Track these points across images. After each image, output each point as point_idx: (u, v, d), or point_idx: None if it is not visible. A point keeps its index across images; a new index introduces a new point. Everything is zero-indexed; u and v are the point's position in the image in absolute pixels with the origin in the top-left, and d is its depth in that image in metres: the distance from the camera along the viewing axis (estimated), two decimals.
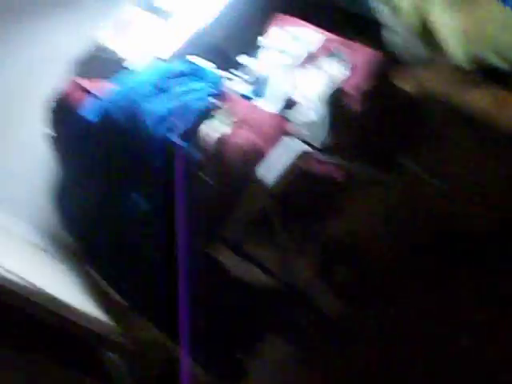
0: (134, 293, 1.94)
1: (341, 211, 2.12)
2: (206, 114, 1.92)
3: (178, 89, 1.98)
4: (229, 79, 2.36)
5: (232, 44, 2.64)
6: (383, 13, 2.24)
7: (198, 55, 2.45)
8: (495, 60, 2.01)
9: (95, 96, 1.91)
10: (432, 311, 2.06)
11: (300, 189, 1.86)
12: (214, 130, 1.80)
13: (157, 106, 1.87)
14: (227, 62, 2.50)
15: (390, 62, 2.16)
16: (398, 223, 2.23)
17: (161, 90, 1.95)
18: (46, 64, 2.61)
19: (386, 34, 2.30)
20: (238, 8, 2.60)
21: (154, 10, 2.68)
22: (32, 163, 2.45)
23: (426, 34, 2.19)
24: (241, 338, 1.92)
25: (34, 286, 1.78)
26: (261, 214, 1.86)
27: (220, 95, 2.10)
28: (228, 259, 2.03)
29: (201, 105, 1.89)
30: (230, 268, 2.03)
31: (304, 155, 1.80)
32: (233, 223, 1.83)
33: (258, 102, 2.25)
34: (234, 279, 1.99)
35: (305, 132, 2.03)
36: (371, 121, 2.08)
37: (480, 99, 2.31)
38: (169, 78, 1.99)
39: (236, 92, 2.31)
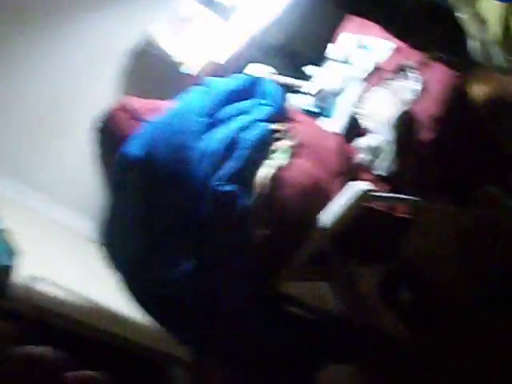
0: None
1: (408, 239, 1.98)
2: (263, 147, 1.70)
3: (233, 115, 1.78)
4: (291, 91, 2.24)
5: (297, 47, 2.46)
6: (464, 19, 2.06)
7: (258, 59, 2.28)
8: None
9: (142, 123, 1.74)
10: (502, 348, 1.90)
11: (363, 228, 1.70)
12: (269, 166, 1.61)
13: (207, 142, 1.68)
14: (291, 68, 2.31)
15: (466, 80, 1.94)
16: (472, 251, 2.06)
17: (213, 119, 1.76)
18: (97, 62, 2.63)
19: (467, 42, 2.11)
20: (304, 6, 2.32)
21: (213, 6, 2.48)
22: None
23: (509, 43, 1.98)
24: (304, 368, 1.83)
25: (93, 302, 1.71)
26: (320, 256, 1.71)
27: (280, 113, 1.92)
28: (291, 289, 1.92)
29: (257, 136, 1.68)
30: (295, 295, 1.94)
31: (366, 194, 1.60)
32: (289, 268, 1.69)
33: (321, 120, 2.13)
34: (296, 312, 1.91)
35: (368, 157, 1.83)
36: (442, 149, 1.93)
37: None
38: (223, 101, 1.79)
39: (298, 107, 2.21)
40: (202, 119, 1.76)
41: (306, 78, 2.30)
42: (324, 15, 2.41)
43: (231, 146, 1.67)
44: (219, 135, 1.71)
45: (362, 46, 2.14)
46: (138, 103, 1.85)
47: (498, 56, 2.05)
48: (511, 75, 2.15)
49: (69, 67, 2.56)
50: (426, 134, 1.92)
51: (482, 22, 1.94)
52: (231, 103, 1.89)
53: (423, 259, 2.10)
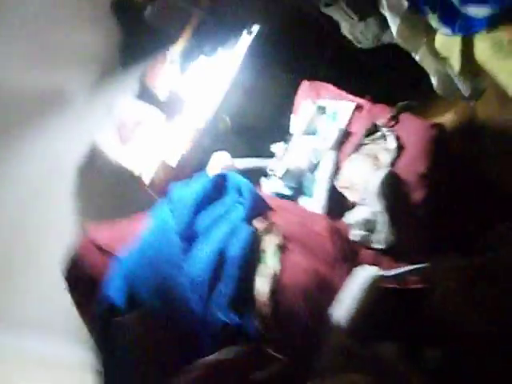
0: None
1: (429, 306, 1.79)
2: (251, 254, 1.52)
3: (211, 224, 1.60)
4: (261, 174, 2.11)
5: (256, 124, 2.31)
6: (422, 59, 1.96)
7: (215, 147, 2.15)
8: None
9: (115, 258, 1.55)
10: None
11: (380, 310, 1.55)
12: (263, 277, 1.44)
13: (192, 265, 1.50)
14: (253, 149, 2.16)
15: (443, 129, 1.83)
16: (495, 295, 1.90)
17: (191, 232, 1.57)
18: (49, 181, 2.47)
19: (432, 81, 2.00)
20: (251, 79, 2.20)
21: (157, 103, 2.33)
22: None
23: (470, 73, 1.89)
24: None
25: None
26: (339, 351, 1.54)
27: (257, 206, 1.78)
28: None
29: (243, 245, 1.51)
30: None
31: (377, 278, 1.45)
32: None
33: (301, 200, 2.01)
34: None
35: (362, 232, 1.67)
36: (438, 204, 1.82)
37: None
38: (195, 211, 1.62)
39: (271, 191, 2.06)
40: (179, 240, 1.59)
41: (271, 155, 2.10)
42: (275, 84, 2.23)
43: (219, 264, 1.50)
44: (203, 253, 1.54)
45: (323, 112, 1.99)
46: (104, 234, 1.69)
47: (461, 87, 1.92)
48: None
49: (21, 189, 2.41)
50: (416, 194, 1.80)
51: (440, 58, 1.86)
52: (204, 209, 1.73)
53: (450, 318, 1.92)
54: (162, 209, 1.71)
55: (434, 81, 1.98)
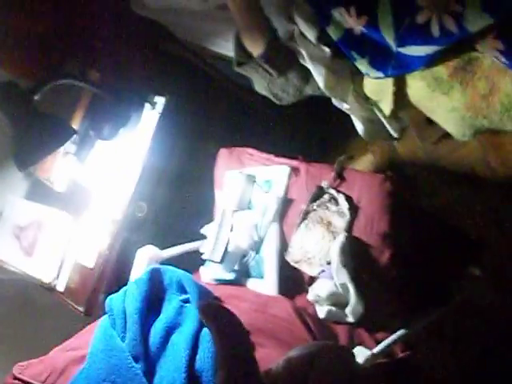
0: None
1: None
2: None
3: (164, 339, 1.35)
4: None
5: (175, 210, 2.06)
6: (348, 107, 1.83)
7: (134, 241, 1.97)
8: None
9: None
10: None
11: None
12: None
13: None
14: (179, 238, 1.92)
15: (395, 180, 1.69)
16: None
17: (145, 353, 1.32)
18: None
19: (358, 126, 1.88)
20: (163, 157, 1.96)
21: (57, 202, 2.05)
22: None
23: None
24: None
25: None
26: None
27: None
28: None
29: (210, 357, 1.26)
30: None
31: (368, 361, 1.27)
32: None
33: (251, 283, 1.82)
34: None
35: (330, 308, 1.48)
36: (406, 261, 1.70)
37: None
38: (141, 325, 1.37)
39: (214, 281, 1.88)
40: (131, 363, 1.34)
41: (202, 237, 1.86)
42: (191, 159, 2.02)
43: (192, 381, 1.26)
44: (169, 373, 1.30)
45: (254, 182, 1.76)
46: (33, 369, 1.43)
47: (390, 129, 1.80)
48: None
49: None
50: (381, 256, 1.62)
51: (369, 102, 1.68)
52: (150, 318, 1.51)
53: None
54: (103, 329, 1.40)
55: (360, 127, 1.87)
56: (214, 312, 0.51)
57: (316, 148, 2.51)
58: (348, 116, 1.76)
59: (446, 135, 2.26)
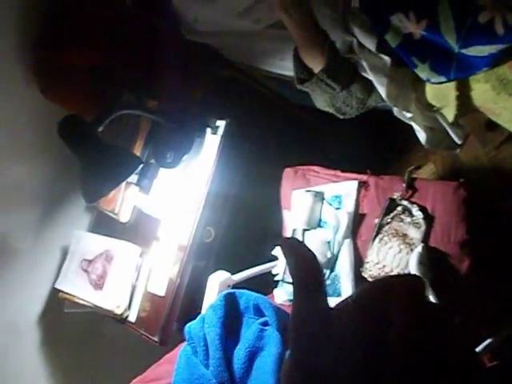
0: None
1: None
2: None
3: (247, 364, 1.35)
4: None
5: (243, 233, 2.08)
6: (410, 116, 1.81)
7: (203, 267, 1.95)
8: None
9: None
10: None
11: None
12: None
13: None
14: (249, 262, 1.93)
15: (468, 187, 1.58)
16: None
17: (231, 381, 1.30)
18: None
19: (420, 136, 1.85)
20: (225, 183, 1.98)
21: (123, 233, 2.08)
22: None
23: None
24: None
25: None
26: None
27: (284, 325, 1.56)
28: None
29: None
30: None
31: None
32: None
33: (330, 304, 1.64)
34: None
35: None
36: (486, 268, 1.59)
37: None
38: (222, 350, 1.37)
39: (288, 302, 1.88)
40: None
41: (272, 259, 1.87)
42: (256, 181, 2.04)
43: None
44: None
45: (323, 199, 1.76)
46: None
47: (455, 136, 1.77)
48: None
49: None
50: (462, 265, 1.62)
51: (432, 110, 1.63)
52: (229, 342, 1.51)
53: None
54: (186, 357, 1.42)
55: (422, 136, 1.85)
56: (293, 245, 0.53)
57: (375, 162, 2.50)
58: (406, 127, 1.74)
59: (508, 139, 2.25)
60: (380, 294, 0.50)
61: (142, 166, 1.94)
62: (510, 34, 1.33)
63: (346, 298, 0.54)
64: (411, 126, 1.75)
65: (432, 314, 0.49)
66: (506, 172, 2.31)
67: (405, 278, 0.53)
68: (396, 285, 0.50)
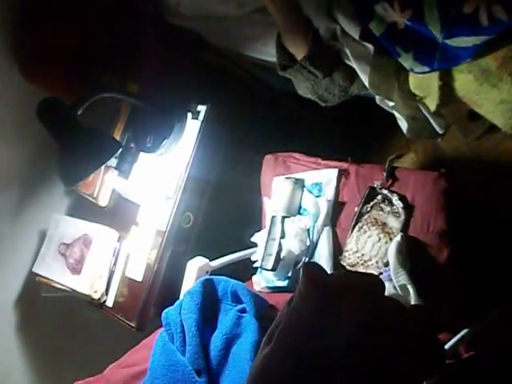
0: None
1: None
2: None
3: (224, 352, 1.37)
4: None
5: (222, 219, 2.06)
6: (393, 105, 1.80)
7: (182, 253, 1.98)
8: None
9: None
10: None
11: None
12: None
13: None
14: (229, 247, 1.92)
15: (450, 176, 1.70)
16: None
17: (206, 369, 1.30)
18: None
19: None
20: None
21: (101, 217, 2.05)
22: None
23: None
24: None
25: None
26: None
27: (262, 312, 1.57)
28: None
29: None
30: None
31: None
32: None
33: None
34: None
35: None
36: (464, 259, 1.68)
37: None
38: (200, 338, 1.36)
39: (267, 289, 1.88)
40: (195, 377, 1.35)
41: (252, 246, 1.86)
42: (237, 167, 2.02)
43: None
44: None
45: (303, 186, 1.75)
46: None
47: (436, 125, 1.77)
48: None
49: None
50: (440, 255, 1.67)
51: (415, 99, 1.63)
52: (206, 328, 1.52)
53: None
54: (162, 344, 1.41)
55: (404, 125, 1.85)
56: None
57: (357, 150, 2.50)
58: (388, 116, 1.73)
59: (489, 130, 2.25)
60: (339, 290, 0.53)
61: (121, 150, 1.92)
62: (494, 25, 1.32)
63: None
64: (393, 115, 1.74)
65: (383, 312, 0.52)
66: (486, 163, 2.31)
67: (363, 279, 0.57)
68: (354, 284, 0.54)
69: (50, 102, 1.68)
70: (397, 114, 1.85)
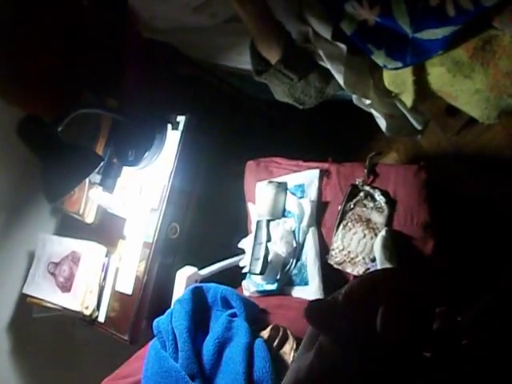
0: None
1: None
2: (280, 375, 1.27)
3: (216, 352, 1.35)
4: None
5: (207, 227, 2.05)
6: (369, 103, 1.80)
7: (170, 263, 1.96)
8: None
9: None
10: None
11: None
12: None
13: None
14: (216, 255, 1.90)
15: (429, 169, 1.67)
16: None
17: (200, 375, 1.29)
18: None
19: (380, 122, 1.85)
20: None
21: (88, 234, 2.03)
22: None
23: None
24: None
25: None
26: None
27: (252, 315, 1.60)
28: None
29: (265, 367, 1.26)
30: None
31: None
32: None
33: (296, 291, 1.81)
34: None
35: None
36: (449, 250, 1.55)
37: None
38: (192, 344, 1.35)
39: (256, 294, 1.87)
40: (189, 382, 1.36)
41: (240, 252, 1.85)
42: (220, 175, 2.01)
43: None
44: None
45: (285, 189, 1.74)
46: None
47: (415, 122, 1.76)
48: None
49: None
50: (425, 247, 1.67)
51: (391, 96, 1.62)
52: (198, 334, 1.53)
53: None
54: (154, 351, 1.40)
55: (382, 123, 1.85)
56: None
57: (338, 151, 2.49)
58: (367, 116, 1.74)
59: (468, 123, 2.25)
60: (369, 289, 0.52)
61: (104, 165, 1.90)
62: (461, 15, 1.32)
63: (335, 295, 0.54)
64: (372, 115, 1.74)
65: (413, 300, 0.52)
66: (466, 156, 2.32)
67: (387, 272, 0.58)
68: (381, 278, 0.54)
69: (30, 120, 1.67)
70: (375, 113, 1.85)
